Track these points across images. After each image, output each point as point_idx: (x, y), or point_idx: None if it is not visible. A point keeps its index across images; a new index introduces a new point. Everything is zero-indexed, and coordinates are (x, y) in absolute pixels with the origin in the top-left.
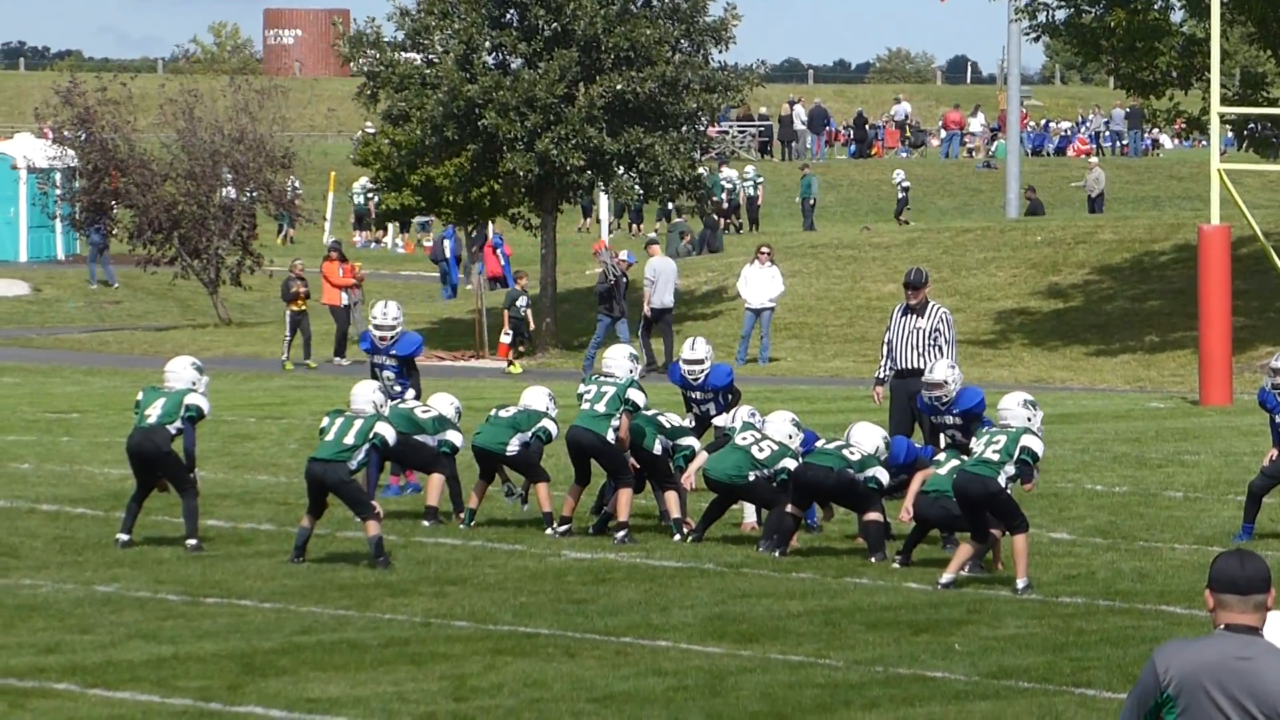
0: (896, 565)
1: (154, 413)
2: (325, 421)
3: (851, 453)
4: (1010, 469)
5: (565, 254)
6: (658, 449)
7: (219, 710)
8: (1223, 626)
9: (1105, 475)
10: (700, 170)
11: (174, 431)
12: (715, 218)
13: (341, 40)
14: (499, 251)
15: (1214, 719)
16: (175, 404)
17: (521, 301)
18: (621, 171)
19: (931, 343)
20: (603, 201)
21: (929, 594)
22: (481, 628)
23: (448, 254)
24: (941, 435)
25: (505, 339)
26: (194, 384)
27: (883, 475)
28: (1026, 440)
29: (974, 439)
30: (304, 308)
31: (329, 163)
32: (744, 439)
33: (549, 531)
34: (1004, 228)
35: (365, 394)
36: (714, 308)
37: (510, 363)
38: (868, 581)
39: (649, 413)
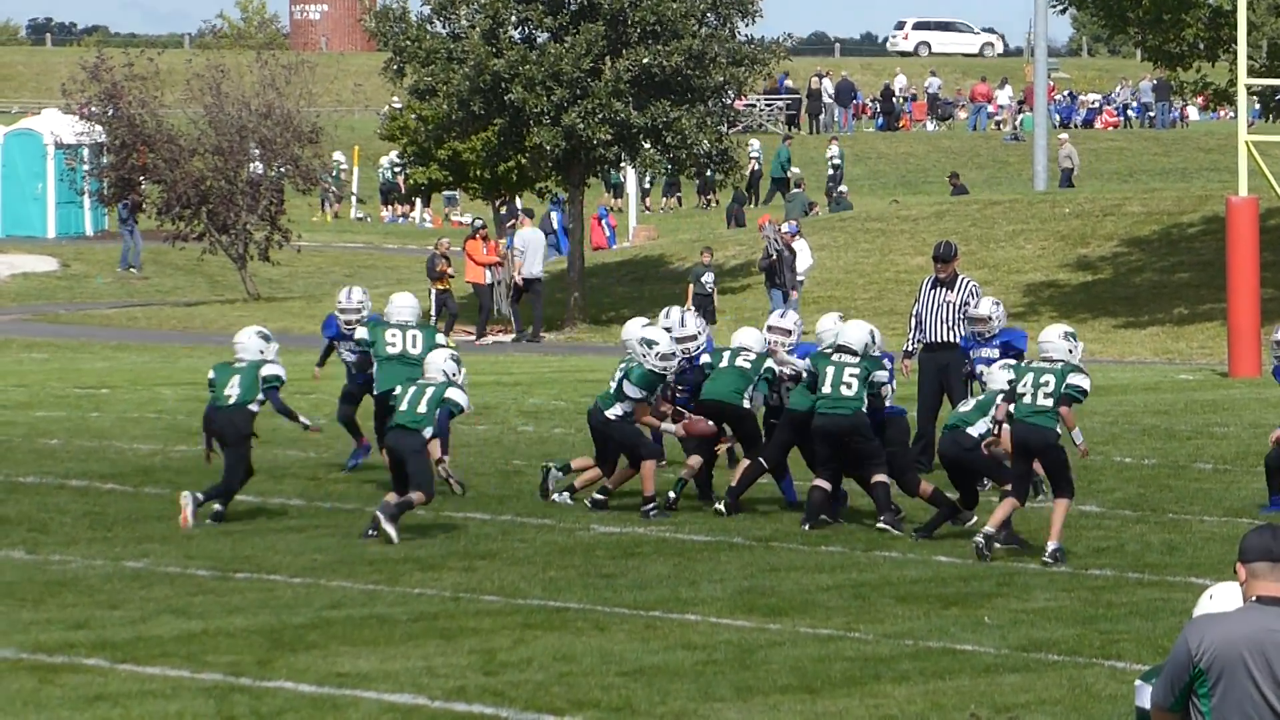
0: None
1: (233, 392)
2: (397, 390)
3: (850, 387)
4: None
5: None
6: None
7: (249, 685)
8: (1254, 599)
9: (1134, 447)
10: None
11: (255, 410)
12: (745, 191)
13: (368, 15)
14: (604, 222)
15: (1248, 692)
16: (251, 379)
17: (708, 278)
18: (648, 146)
19: (961, 316)
20: (630, 175)
21: (958, 567)
22: (511, 602)
23: (555, 226)
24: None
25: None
26: (262, 352)
27: (882, 375)
28: (1074, 379)
29: (1018, 379)
30: (448, 287)
31: (355, 138)
32: (733, 362)
33: (649, 510)
34: (1032, 200)
35: (437, 363)
36: (743, 281)
37: None
38: (897, 555)
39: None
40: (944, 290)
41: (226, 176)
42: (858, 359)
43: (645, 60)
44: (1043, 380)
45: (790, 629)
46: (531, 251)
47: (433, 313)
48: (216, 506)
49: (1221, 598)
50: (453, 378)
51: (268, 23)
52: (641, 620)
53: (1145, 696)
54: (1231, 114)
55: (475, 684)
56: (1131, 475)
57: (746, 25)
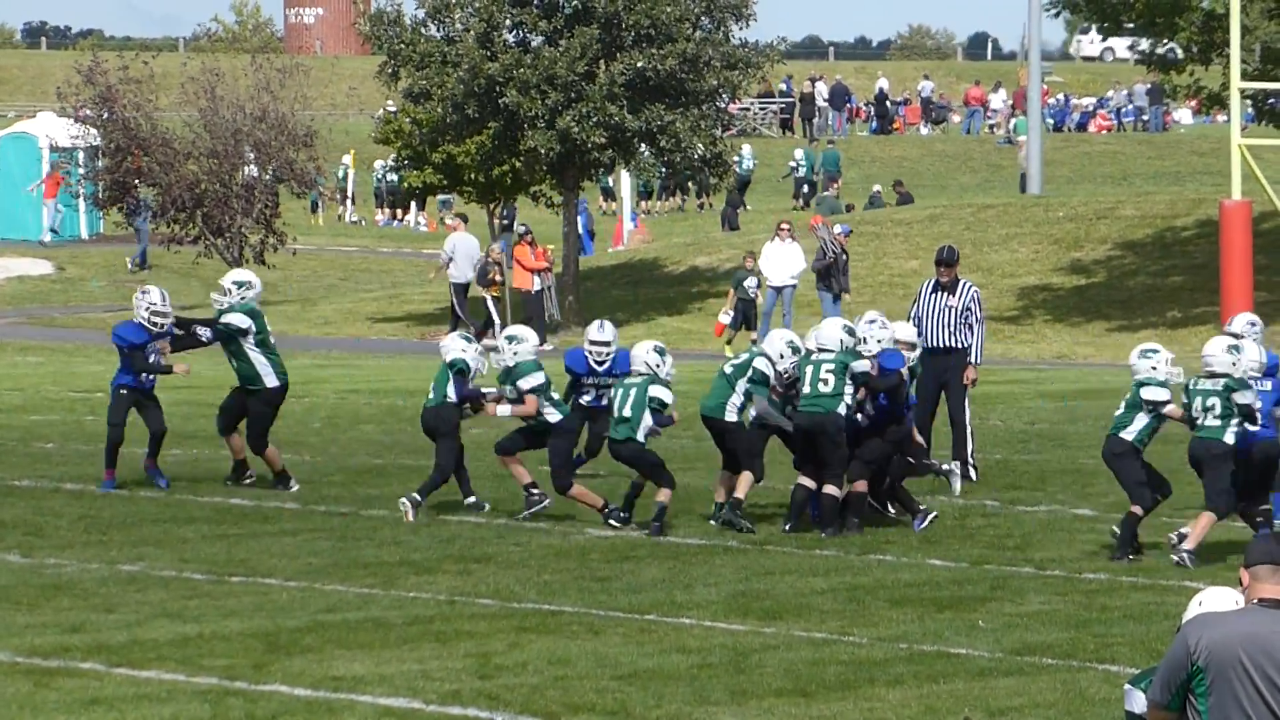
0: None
1: (434, 391)
2: (613, 393)
3: (826, 383)
4: (1232, 425)
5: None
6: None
7: (244, 689)
8: (1255, 601)
9: None
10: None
11: (454, 401)
12: (739, 194)
13: (362, 18)
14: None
15: (1245, 690)
16: (444, 375)
17: (750, 283)
18: (643, 149)
19: (962, 320)
20: (624, 179)
21: (952, 570)
22: (506, 605)
23: (580, 228)
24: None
25: (725, 318)
26: (464, 351)
27: (862, 365)
28: (1239, 397)
29: (1190, 402)
30: (500, 294)
31: (350, 141)
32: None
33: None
34: (1026, 203)
35: (640, 355)
36: None
37: (728, 342)
38: (891, 558)
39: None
40: (945, 295)
41: (221, 180)
42: (834, 354)
43: (639, 64)
44: (1209, 404)
45: (785, 632)
46: (461, 257)
47: (495, 318)
48: (416, 496)
49: (1212, 603)
50: (656, 369)
51: (262, 26)
52: (636, 624)
53: (1135, 701)
54: (1224, 118)
55: (470, 688)
56: None
57: (740, 29)
